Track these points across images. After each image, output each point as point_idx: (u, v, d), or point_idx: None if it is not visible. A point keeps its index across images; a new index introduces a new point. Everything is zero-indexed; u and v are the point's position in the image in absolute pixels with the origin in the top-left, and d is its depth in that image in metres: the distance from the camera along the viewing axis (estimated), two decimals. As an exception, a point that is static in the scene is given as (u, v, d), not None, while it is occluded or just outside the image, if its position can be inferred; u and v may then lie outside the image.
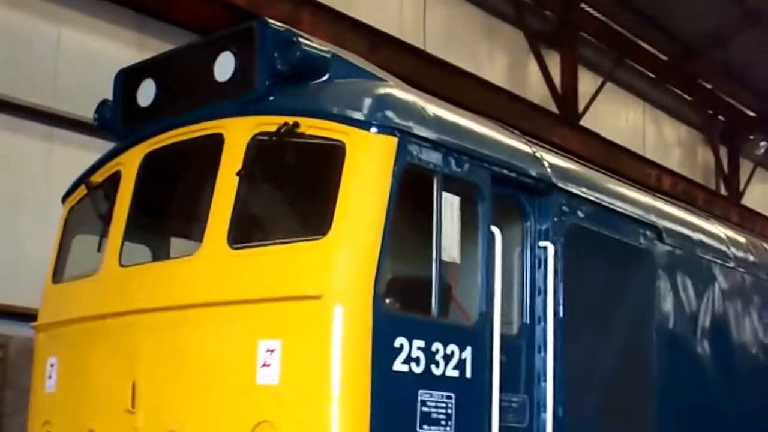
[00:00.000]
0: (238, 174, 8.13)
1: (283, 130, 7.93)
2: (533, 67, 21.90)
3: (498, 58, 21.56)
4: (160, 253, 9.27)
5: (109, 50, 13.71)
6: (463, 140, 8.38)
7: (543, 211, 9.05)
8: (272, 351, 7.54)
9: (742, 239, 12.40)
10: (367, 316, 7.44)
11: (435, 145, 8.08)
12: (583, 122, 22.38)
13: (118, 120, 9.32)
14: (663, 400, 10.18)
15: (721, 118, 28.47)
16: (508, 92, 20.40)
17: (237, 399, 7.69)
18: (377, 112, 7.83)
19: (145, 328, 8.28)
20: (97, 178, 9.36)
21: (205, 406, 7.84)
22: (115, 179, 9.17)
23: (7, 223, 12.85)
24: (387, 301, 7.80)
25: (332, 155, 7.77)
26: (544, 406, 8.80)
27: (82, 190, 9.52)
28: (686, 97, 27.15)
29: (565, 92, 21.94)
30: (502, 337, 8.53)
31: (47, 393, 9.09)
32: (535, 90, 22.01)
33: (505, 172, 8.70)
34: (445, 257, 7.99)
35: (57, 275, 9.50)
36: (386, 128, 7.75)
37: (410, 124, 7.91)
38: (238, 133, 8.26)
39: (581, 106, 22.23)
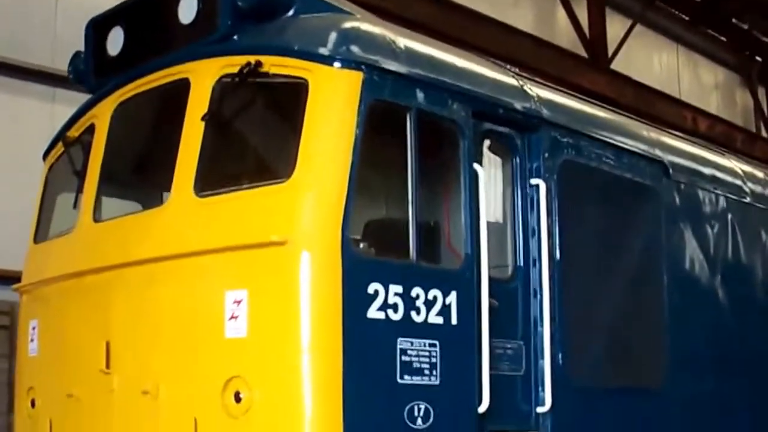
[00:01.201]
0: (203, 119, 7.57)
1: (245, 71, 7.37)
2: (560, 12, 21.07)
3: (523, 3, 20.75)
4: (138, 206, 8.69)
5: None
6: (439, 74, 7.74)
7: (533, 148, 8.40)
8: (239, 302, 7.00)
9: (760, 174, 11.62)
10: (335, 261, 6.86)
11: (407, 79, 7.45)
12: (615, 66, 21.52)
13: (90, 71, 8.73)
14: (676, 342, 9.53)
15: (758, 58, 27.37)
16: (533, 37, 19.63)
17: (207, 355, 7.19)
18: (341, 46, 7.22)
19: (116, 285, 7.79)
20: (74, 132, 8.86)
21: (178, 364, 7.34)
22: (90, 133, 8.65)
23: (13, 185, 12.40)
24: (361, 245, 7.23)
25: (296, 94, 7.21)
26: (542, 352, 8.17)
27: (60, 147, 8.99)
28: (721, 38, 26.12)
29: (593, 36, 21.14)
30: (494, 281, 7.92)
31: (30, 357, 8.65)
32: (563, 34, 21.21)
33: (488, 107, 8.02)
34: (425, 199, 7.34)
35: (39, 235, 9.04)
36: (350, 63, 7.15)
37: (378, 58, 7.29)
38: (203, 77, 7.71)
39: (611, 50, 21.37)
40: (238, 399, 6.95)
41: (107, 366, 7.64)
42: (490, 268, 7.90)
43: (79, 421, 7.83)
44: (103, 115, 8.51)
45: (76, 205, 8.50)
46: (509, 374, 8.01)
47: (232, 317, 7.02)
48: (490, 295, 7.81)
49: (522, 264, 8.26)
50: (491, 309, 7.79)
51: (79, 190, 8.53)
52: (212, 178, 7.56)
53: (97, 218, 8.28)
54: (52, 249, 8.64)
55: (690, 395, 9.69)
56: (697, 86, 25.96)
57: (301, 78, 7.19)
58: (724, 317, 10.36)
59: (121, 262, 7.72)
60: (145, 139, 8.68)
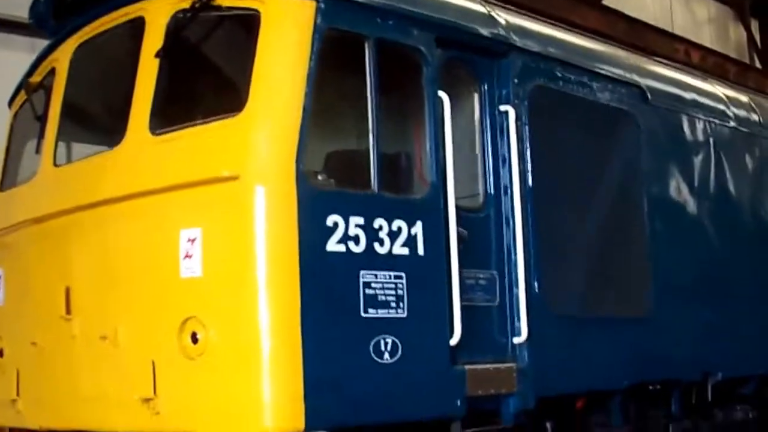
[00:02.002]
0: (156, 56, 7.05)
1: (197, 5, 6.89)
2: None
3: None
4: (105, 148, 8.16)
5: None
6: (399, 0, 7.13)
7: (501, 74, 7.85)
8: (193, 241, 6.51)
9: (744, 98, 10.99)
10: (290, 194, 6.35)
11: (364, 7, 6.90)
12: (607, 2, 20.79)
13: (49, 15, 8.21)
14: (660, 270, 9.00)
15: (750, -8, 26.60)
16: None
17: (164, 296, 6.72)
18: (292, -26, 6.64)
19: (75, 229, 7.32)
20: (36, 78, 8.35)
21: (135, 307, 6.89)
22: (51, 77, 8.15)
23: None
24: (319, 177, 6.67)
25: (249, 26, 6.71)
26: (517, 282, 7.62)
27: (23, 94, 8.47)
28: (713, -29, 25.33)
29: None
30: (463, 210, 7.44)
31: (-1, 307, 8.16)
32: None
33: (452, 33, 7.46)
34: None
35: (5, 183, 8.55)
36: (303, -9, 6.57)
37: (332, -15, 6.71)
38: (157, 14, 7.21)
39: (601, -15, 20.66)
40: (194, 340, 6.50)
41: (67, 312, 7.19)
42: (459, 197, 7.41)
43: (43, 369, 7.38)
44: (63, 58, 8.02)
45: (38, 150, 7.97)
46: (483, 305, 7.51)
47: (186, 256, 6.54)
48: (460, 225, 7.30)
49: (493, 192, 7.74)
50: (461, 238, 7.29)
51: (42, 135, 7.99)
52: (167, 116, 7.07)
53: (57, 162, 7.74)
54: (17, 196, 8.17)
55: (677, 323, 9.17)
56: (691, 21, 25.19)
57: (253, 9, 6.70)
58: (710, 244, 9.82)
59: (78, 205, 7.25)
60: (104, 80, 8.15)
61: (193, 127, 6.79)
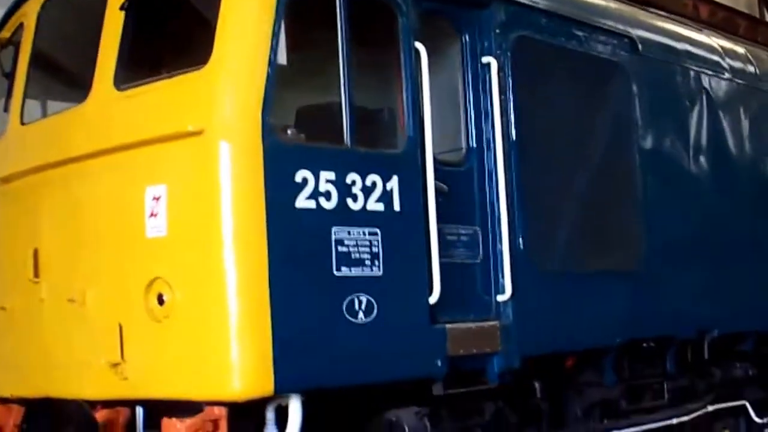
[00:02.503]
0: (121, 8, 6.68)
1: (162, -43, 6.44)
2: None
3: None
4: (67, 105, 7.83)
5: None
6: (372, -53, 6.76)
7: (483, 25, 7.49)
8: (158, 199, 6.16)
9: (740, 50, 10.55)
10: (256, 149, 6.02)
11: (333, -45, 6.49)
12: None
13: (17, -31, 7.85)
14: (652, 225, 8.62)
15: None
16: None
17: (130, 257, 6.40)
18: None
19: (43, 189, 7.02)
20: (5, 34, 7.98)
21: (102, 268, 6.59)
22: (20, 32, 7.76)
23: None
24: (289, 132, 6.31)
25: (213, -23, 6.28)
26: (500, 237, 7.23)
27: (-5, 51, 8.13)
28: None
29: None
30: (444, 164, 7.11)
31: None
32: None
33: (429, -17, 7.05)
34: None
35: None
36: (268, -62, 6.19)
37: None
38: (122, -34, 6.77)
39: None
40: (161, 302, 6.18)
41: (36, 275, 6.89)
42: (440, 152, 7.12)
43: (13, 335, 7.07)
44: (31, 12, 7.68)
45: (6, 108, 7.62)
46: (465, 262, 7.17)
47: (151, 215, 6.23)
48: (440, 180, 6.94)
49: (475, 146, 7.38)
50: (440, 193, 6.93)
51: (10, 92, 7.64)
52: (133, 70, 6.76)
53: (24, 121, 7.40)
54: (-12, 157, 7.80)
55: (671, 278, 8.82)
56: (698, -24, 24.53)
57: (218, -39, 6.28)
58: (705, 198, 9.45)
59: (45, 164, 6.94)
60: (72, 34, 7.78)
61: (158, 81, 6.46)
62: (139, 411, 6.53)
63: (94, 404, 6.58)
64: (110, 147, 6.51)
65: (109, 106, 6.65)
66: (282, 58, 6.45)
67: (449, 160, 7.25)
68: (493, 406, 7.49)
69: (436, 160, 6.96)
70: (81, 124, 6.79)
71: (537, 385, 7.85)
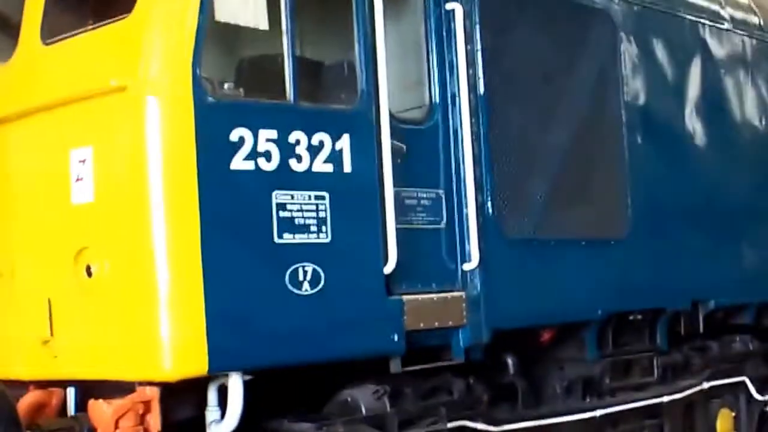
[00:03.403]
0: (47, -46, 6.38)
1: None
2: None
3: None
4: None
5: None
6: None
7: (446, -34, 7.11)
8: (84, 161, 5.88)
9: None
10: (185, 106, 5.77)
11: None
12: None
13: None
14: (639, 188, 8.34)
15: None
16: None
17: (57, 226, 6.18)
18: None
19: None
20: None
21: (30, 239, 6.35)
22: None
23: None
24: (226, 87, 6.03)
25: None
26: (466, 201, 6.95)
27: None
28: None
29: None
30: (404, 122, 6.87)
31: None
32: None
33: None
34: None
35: None
36: None
37: None
38: None
39: None
40: (89, 273, 5.91)
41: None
42: (402, 110, 6.91)
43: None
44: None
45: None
46: (426, 228, 6.91)
47: (77, 179, 5.96)
48: (399, 139, 6.66)
49: (439, 102, 7.07)
50: (398, 153, 6.66)
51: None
52: (59, 23, 6.45)
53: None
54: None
55: (661, 246, 8.58)
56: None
57: None
58: (700, 159, 9.20)
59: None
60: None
61: (83, 33, 6.16)
62: (70, 392, 6.33)
63: (26, 385, 6.34)
64: (34, 107, 6.26)
65: (35, 62, 6.43)
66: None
67: (410, 117, 6.95)
68: (463, 384, 7.23)
69: (393, 118, 6.69)
70: (9, 83, 6.54)
71: (510, 360, 7.58)
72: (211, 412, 6.09)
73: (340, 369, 6.61)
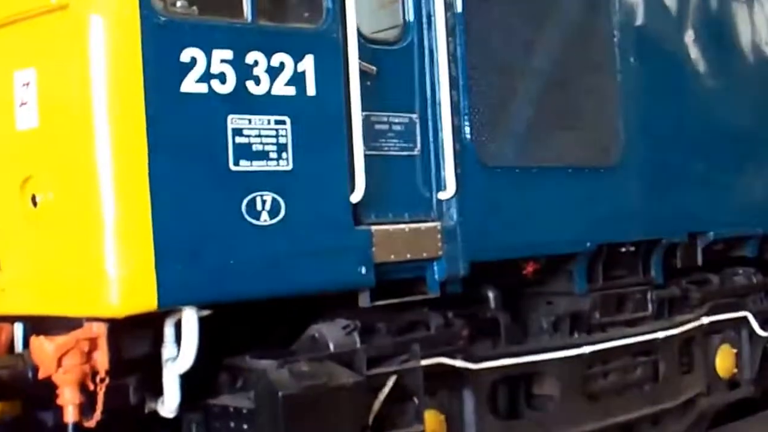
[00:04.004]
0: None
1: None
2: None
3: None
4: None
5: None
6: None
7: None
8: (27, 84, 5.68)
9: None
10: (131, 24, 5.58)
11: None
12: None
13: None
14: (632, 112, 8.12)
15: None
16: None
17: (3, 153, 5.98)
18: None
19: None
20: None
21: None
22: None
23: None
24: (178, 4, 5.80)
25: None
26: (441, 126, 6.72)
27: None
28: None
29: None
30: (375, 42, 6.66)
31: None
32: None
33: None
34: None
35: None
36: None
37: None
38: None
39: None
40: (34, 202, 5.71)
41: None
42: (377, 29, 6.73)
43: None
44: None
45: None
46: (400, 154, 6.70)
47: (22, 104, 5.76)
48: (370, 60, 6.41)
49: (413, 20, 6.81)
50: (368, 76, 6.42)
51: None
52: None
53: None
54: None
55: (655, 174, 8.36)
56: None
57: None
58: (699, 83, 8.97)
59: None
60: None
61: (25, -52, 5.92)
62: (18, 328, 6.17)
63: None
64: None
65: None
66: None
67: (381, 38, 6.71)
68: (441, 319, 7.05)
69: (362, 38, 6.45)
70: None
71: (491, 294, 7.39)
72: (168, 348, 5.94)
73: (311, 304, 6.41)
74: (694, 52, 8.75)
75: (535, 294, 8.01)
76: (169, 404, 5.96)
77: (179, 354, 5.85)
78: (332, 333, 6.55)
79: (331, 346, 6.48)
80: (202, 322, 5.85)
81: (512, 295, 7.82)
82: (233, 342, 6.50)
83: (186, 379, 5.93)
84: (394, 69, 6.71)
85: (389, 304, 6.72)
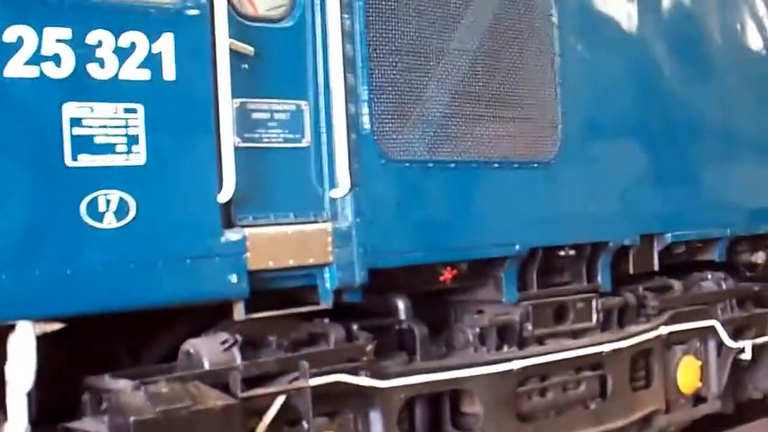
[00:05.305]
0: None
1: None
2: None
3: None
4: None
5: None
6: None
7: None
8: None
9: None
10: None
11: None
12: None
13: None
14: (575, 101, 7.56)
15: None
16: None
17: None
18: None
19: None
20: None
21: None
22: None
23: None
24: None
25: None
26: (334, 115, 6.14)
27: None
28: None
29: None
30: (254, 20, 6.12)
31: None
32: None
33: None
34: None
35: None
36: None
37: None
38: None
39: None
40: None
41: None
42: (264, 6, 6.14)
43: None
44: None
45: None
46: (284, 146, 6.11)
47: None
48: (249, 40, 5.86)
49: (303, -7, 6.21)
50: (245, 58, 5.86)
51: None
52: None
53: None
54: None
55: (601, 170, 7.81)
56: None
57: None
58: (654, 70, 8.36)
59: None
60: None
61: None
62: None
63: None
64: None
65: None
66: None
67: (263, 15, 6.13)
68: (342, 331, 6.47)
69: (238, 14, 5.88)
70: None
71: (401, 304, 6.81)
72: (11, 366, 5.39)
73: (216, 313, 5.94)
74: (652, 36, 8.17)
75: (465, 303, 7.41)
76: (13, 427, 5.42)
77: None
78: (208, 348, 5.99)
79: (206, 364, 5.92)
80: (63, 335, 5.49)
81: (438, 303, 7.22)
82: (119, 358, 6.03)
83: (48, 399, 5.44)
84: (280, 50, 6.15)
85: (286, 315, 6.19)
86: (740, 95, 8.98)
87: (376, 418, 6.60)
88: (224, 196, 5.72)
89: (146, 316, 5.84)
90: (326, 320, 6.51)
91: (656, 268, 8.27)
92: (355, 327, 6.62)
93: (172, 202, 5.57)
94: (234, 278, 5.76)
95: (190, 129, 5.67)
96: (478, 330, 7.24)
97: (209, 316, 6.11)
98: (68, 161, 5.24)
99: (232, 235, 5.78)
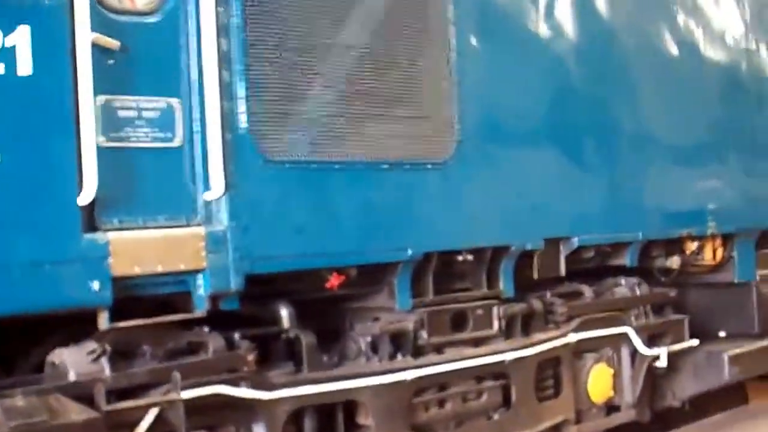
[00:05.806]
0: None
1: None
2: None
3: None
4: None
5: None
6: None
7: None
8: None
9: None
10: None
11: None
12: None
13: None
14: (474, 98, 7.37)
15: None
16: None
17: None
18: None
19: None
20: None
21: None
22: None
23: None
24: None
25: None
26: (208, 113, 5.94)
27: None
28: None
29: None
30: (119, 12, 5.87)
31: None
32: None
33: None
34: None
35: None
36: None
37: None
38: None
39: None
40: None
41: None
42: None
43: None
44: None
45: None
46: (152, 146, 5.90)
47: None
48: (115, 34, 5.69)
49: (169, -19, 6.02)
50: (110, 53, 5.67)
51: None
52: None
53: None
54: None
55: (504, 170, 7.63)
56: None
57: None
58: (560, 67, 8.16)
59: None
60: None
61: None
62: None
63: None
64: None
65: None
66: None
67: (130, 8, 5.91)
68: (221, 340, 6.27)
69: (102, 6, 5.67)
70: None
71: (284, 311, 6.61)
72: None
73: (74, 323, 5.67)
74: (559, 37, 7.97)
75: (360, 310, 7.23)
76: None
77: None
78: (75, 359, 5.78)
79: (72, 375, 5.70)
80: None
81: (334, 312, 7.05)
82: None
83: None
84: (149, 45, 5.95)
85: (165, 324, 6.00)
86: (653, 97, 8.84)
87: (259, 431, 6.39)
88: (85, 198, 5.51)
89: (24, 324, 5.60)
90: (206, 329, 6.27)
91: (563, 273, 8.10)
92: (237, 336, 6.40)
93: (27, 205, 5.36)
94: (96, 285, 5.56)
95: (47, 127, 5.46)
96: (369, 338, 7.04)
97: (91, 324, 5.88)
98: None
99: (93, 240, 5.56)
